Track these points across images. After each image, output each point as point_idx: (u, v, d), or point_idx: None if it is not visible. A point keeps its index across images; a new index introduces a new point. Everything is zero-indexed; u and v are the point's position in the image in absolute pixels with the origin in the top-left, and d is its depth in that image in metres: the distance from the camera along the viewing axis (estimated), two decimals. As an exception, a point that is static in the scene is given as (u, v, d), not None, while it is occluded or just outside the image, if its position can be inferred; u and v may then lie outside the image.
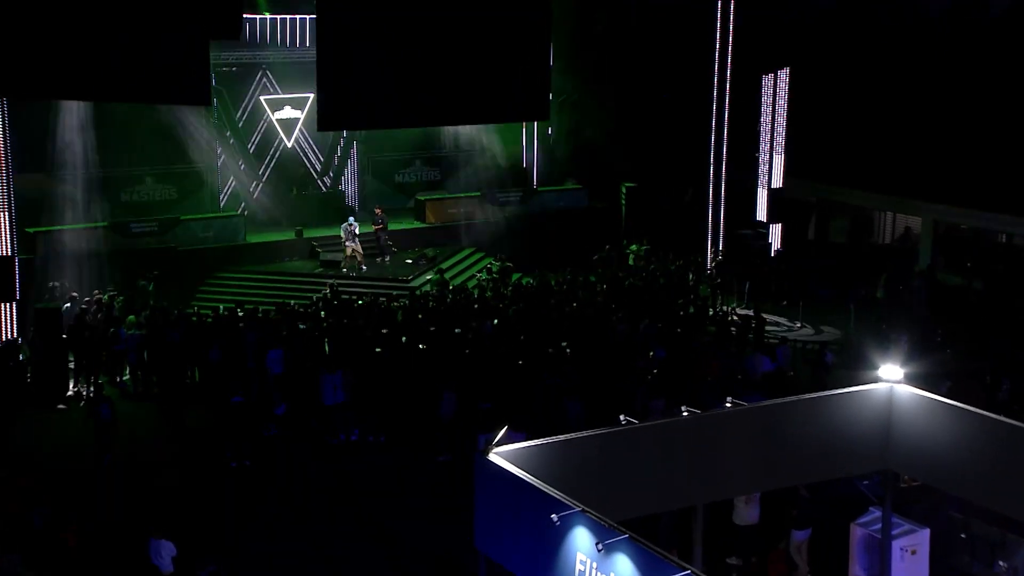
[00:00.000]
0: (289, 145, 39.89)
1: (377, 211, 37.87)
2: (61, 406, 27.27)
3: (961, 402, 15.53)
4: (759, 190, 40.05)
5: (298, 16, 37.27)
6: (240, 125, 38.95)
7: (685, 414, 14.74)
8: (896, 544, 17.01)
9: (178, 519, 19.91)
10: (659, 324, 29.66)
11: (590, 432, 14.17)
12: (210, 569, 18.44)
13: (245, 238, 37.57)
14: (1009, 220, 36.72)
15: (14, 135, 29.62)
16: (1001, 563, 18.26)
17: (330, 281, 34.24)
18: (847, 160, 39.31)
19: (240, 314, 29.74)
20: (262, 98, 39.26)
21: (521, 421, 19.93)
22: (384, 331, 27.91)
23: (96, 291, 31.53)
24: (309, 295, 33.47)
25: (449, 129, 41.47)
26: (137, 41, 27.55)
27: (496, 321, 29.37)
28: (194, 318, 30.56)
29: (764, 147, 39.76)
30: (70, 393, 27.79)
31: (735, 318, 33.01)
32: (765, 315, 32.43)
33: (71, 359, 28.11)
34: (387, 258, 37.52)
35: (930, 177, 37.29)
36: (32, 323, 28.82)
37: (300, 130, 39.92)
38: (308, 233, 38.39)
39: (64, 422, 26.45)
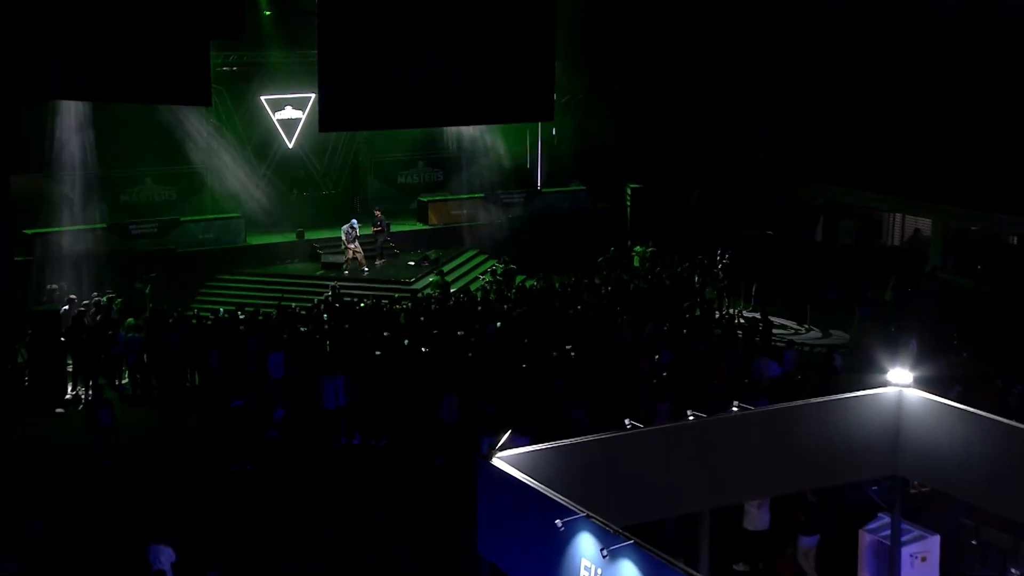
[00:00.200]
0: (290, 146, 39.67)
1: (377, 213, 37.70)
2: (59, 410, 27.11)
3: (972, 406, 15.37)
4: (766, 192, 39.90)
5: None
6: (240, 125, 38.71)
7: (691, 418, 14.59)
8: (906, 551, 16.82)
9: (178, 525, 19.73)
10: (665, 327, 29.46)
11: (595, 436, 14.03)
12: (211, 575, 18.26)
13: (245, 240, 37.43)
14: (1021, 222, 36.46)
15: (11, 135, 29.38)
16: (1013, 570, 18.08)
17: (332, 284, 34.09)
18: (855, 161, 39.02)
19: (241, 317, 29.55)
20: (263, 98, 39.02)
21: (525, 425, 19.79)
22: (386, 334, 27.71)
23: (95, 293, 31.36)
24: (311, 298, 33.29)
25: (452, 130, 41.30)
26: (136, 40, 27.32)
27: (499, 324, 29.19)
28: (194, 321, 30.39)
29: (771, 148, 39.64)
30: (68, 397, 27.58)
31: (742, 321, 32.75)
32: (772, 318, 32.21)
33: (69, 362, 27.93)
34: (384, 261, 37.32)
35: (940, 178, 37.02)
36: (30, 326, 28.59)
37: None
38: (309, 235, 38.22)
39: (63, 426, 26.29)
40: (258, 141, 39.23)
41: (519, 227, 40.18)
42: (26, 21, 26.65)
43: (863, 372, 25.13)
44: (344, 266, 36.33)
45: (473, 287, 34.81)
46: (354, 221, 36.66)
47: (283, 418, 24.97)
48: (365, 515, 21.93)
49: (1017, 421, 15.24)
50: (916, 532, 17.06)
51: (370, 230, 37.24)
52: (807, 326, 34.03)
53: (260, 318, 29.57)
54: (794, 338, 31.55)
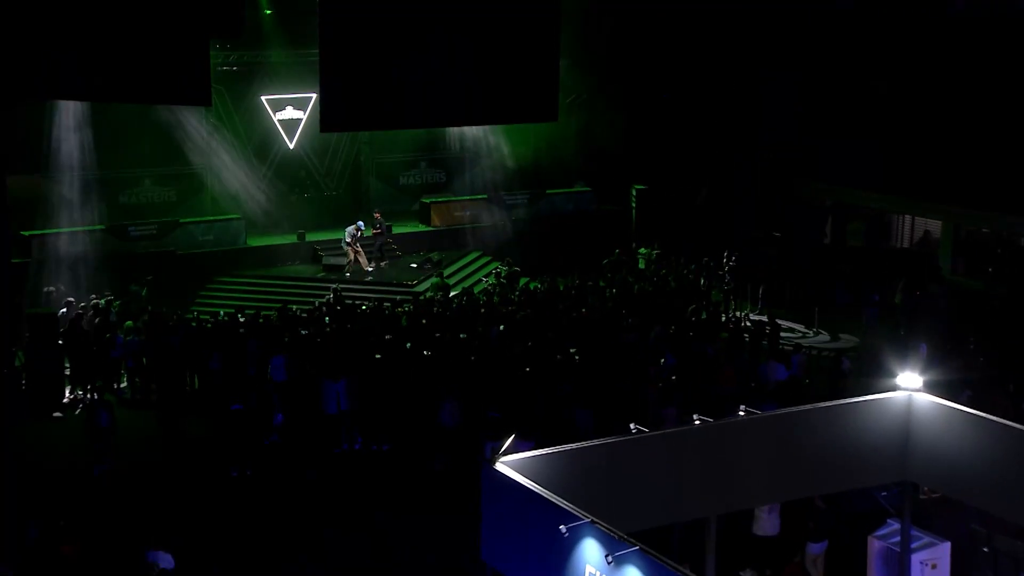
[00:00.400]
0: (291, 146, 39.45)
1: (376, 216, 37.51)
2: (57, 414, 26.91)
3: (983, 411, 15.23)
4: (766, 192, 39.72)
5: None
6: (240, 126, 38.49)
7: (697, 423, 14.48)
8: (916, 558, 16.64)
9: (177, 530, 19.56)
10: (670, 330, 29.25)
11: (599, 441, 13.94)
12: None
13: (246, 241, 37.26)
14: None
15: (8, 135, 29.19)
16: (1026, 578, 17.81)
17: (333, 286, 33.90)
18: (864, 162, 38.80)
19: (241, 319, 29.34)
20: (263, 98, 38.80)
21: (529, 429, 19.72)
22: (388, 337, 27.49)
23: (93, 295, 31.17)
24: (311, 300, 33.08)
25: (454, 130, 41.11)
26: (136, 40, 27.13)
27: (503, 327, 28.97)
28: (193, 323, 30.24)
29: (772, 148, 39.45)
30: (66, 400, 27.39)
31: (748, 324, 32.57)
32: (780, 321, 31.99)
33: (67, 365, 27.72)
34: (384, 263, 37.12)
35: (950, 179, 36.78)
36: (27, 329, 28.36)
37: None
38: (310, 237, 38.03)
39: (60, 430, 26.11)
40: (258, 141, 39.03)
41: (523, 229, 40.04)
42: (25, 21, 26.47)
43: (872, 376, 25.01)
44: (345, 268, 36.13)
45: (476, 289, 34.59)
46: (360, 223, 36.46)
47: (283, 422, 24.73)
48: (365, 516, 21.84)
49: (1030, 426, 15.09)
50: (926, 539, 16.90)
51: (369, 232, 37.04)
52: (815, 329, 33.83)
53: (260, 321, 29.38)
54: (802, 341, 31.31)
